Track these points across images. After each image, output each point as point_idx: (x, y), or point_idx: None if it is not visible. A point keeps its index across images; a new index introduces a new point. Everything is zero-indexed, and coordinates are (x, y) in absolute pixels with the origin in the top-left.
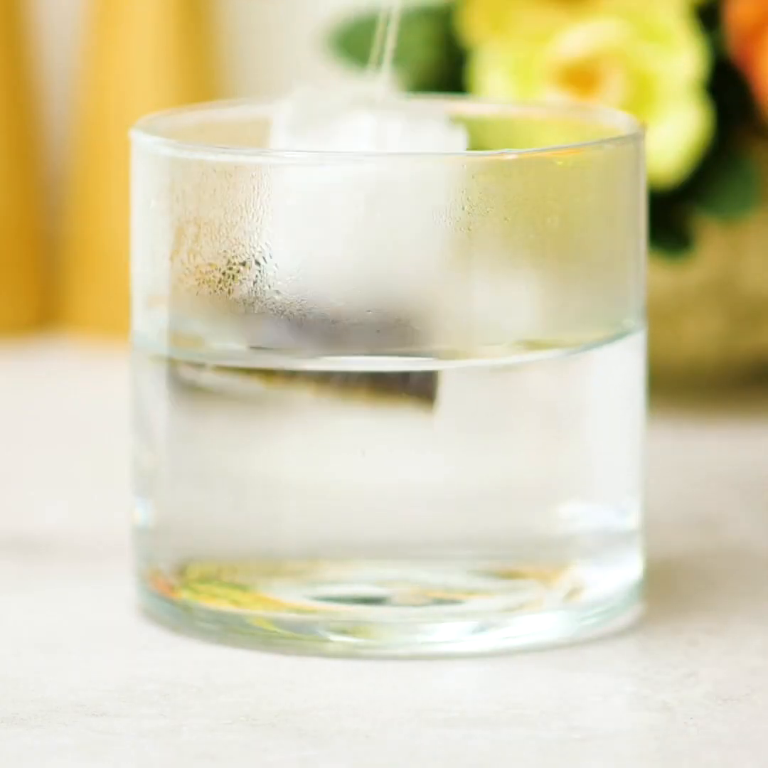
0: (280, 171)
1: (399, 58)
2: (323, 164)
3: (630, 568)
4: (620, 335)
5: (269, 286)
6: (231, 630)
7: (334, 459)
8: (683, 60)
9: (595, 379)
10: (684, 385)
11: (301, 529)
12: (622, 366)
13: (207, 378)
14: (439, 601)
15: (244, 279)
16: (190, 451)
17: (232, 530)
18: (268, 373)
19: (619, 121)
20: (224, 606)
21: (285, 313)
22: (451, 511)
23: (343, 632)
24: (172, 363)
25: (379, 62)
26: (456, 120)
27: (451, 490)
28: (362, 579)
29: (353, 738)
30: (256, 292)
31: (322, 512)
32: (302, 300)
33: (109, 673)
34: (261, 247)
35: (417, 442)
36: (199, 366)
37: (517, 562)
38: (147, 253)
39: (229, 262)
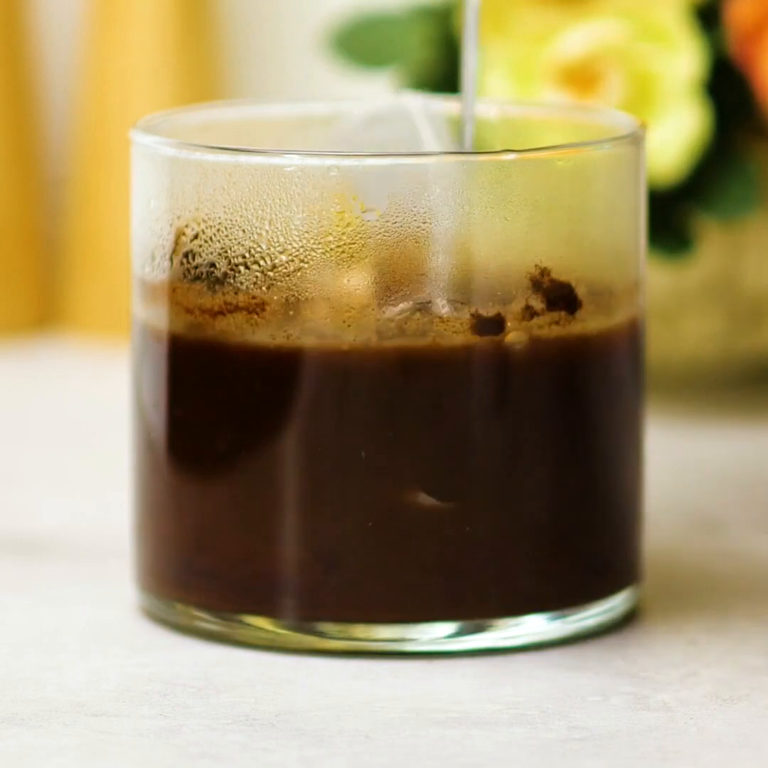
0: (280, 171)
1: (399, 58)
2: (323, 163)
3: (630, 568)
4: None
5: (269, 287)
6: (231, 630)
7: (333, 458)
8: (683, 60)
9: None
10: (684, 385)
11: (301, 529)
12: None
13: (207, 376)
14: (439, 601)
15: (244, 279)
16: (191, 449)
17: (233, 529)
18: (267, 372)
19: (619, 121)
20: (224, 606)
21: (285, 313)
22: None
23: (343, 632)
24: (172, 362)
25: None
26: (454, 120)
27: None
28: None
29: (353, 738)
30: (256, 292)
31: (321, 510)
32: (302, 301)
33: (109, 673)
34: (261, 247)
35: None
36: (200, 364)
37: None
38: (147, 253)
39: (229, 262)
